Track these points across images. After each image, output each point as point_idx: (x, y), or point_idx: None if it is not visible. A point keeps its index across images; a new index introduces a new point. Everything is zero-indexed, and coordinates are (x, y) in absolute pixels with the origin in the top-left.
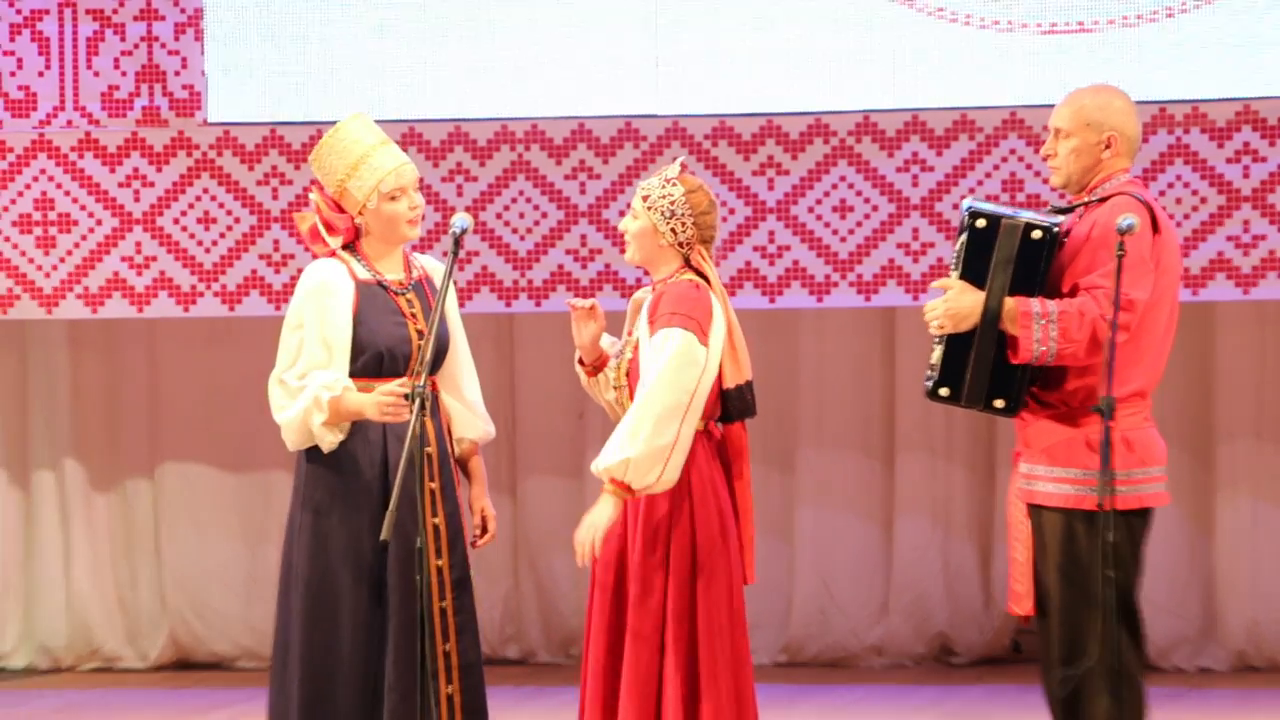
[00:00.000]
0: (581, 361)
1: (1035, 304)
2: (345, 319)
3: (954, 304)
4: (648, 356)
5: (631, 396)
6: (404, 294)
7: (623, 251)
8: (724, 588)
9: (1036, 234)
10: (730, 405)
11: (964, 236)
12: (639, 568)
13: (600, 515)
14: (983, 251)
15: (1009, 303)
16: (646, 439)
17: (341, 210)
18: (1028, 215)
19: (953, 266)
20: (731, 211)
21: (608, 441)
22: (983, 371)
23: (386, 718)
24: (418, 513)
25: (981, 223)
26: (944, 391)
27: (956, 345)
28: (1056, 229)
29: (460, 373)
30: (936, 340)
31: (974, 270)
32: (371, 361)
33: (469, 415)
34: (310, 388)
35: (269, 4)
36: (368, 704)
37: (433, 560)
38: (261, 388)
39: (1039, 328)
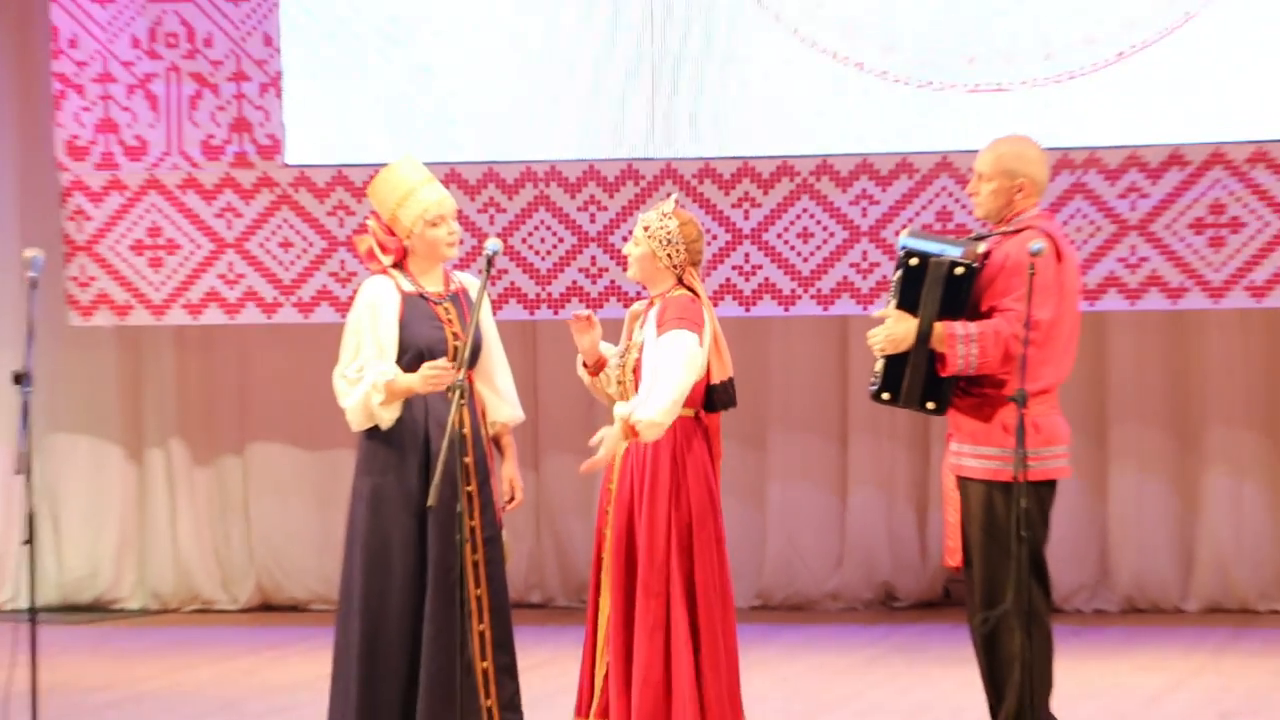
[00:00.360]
0: (585, 364)
1: (959, 327)
2: (392, 324)
3: (892, 331)
4: (657, 352)
5: (636, 390)
6: (442, 304)
7: (626, 270)
8: (713, 546)
9: (959, 270)
10: (716, 397)
11: (900, 272)
12: (647, 533)
13: (617, 446)
14: (915, 284)
15: (938, 327)
16: (670, 411)
17: (393, 234)
18: (952, 252)
19: (891, 295)
20: (714, 237)
21: (646, 399)
22: (916, 381)
23: (426, 647)
24: (456, 483)
25: (914, 261)
26: (885, 396)
27: (895, 360)
28: (976, 264)
29: (494, 367)
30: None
31: (908, 300)
32: (414, 359)
33: (500, 402)
34: (368, 376)
35: (335, 69)
36: (415, 639)
37: (467, 521)
38: (331, 382)
39: (962, 347)
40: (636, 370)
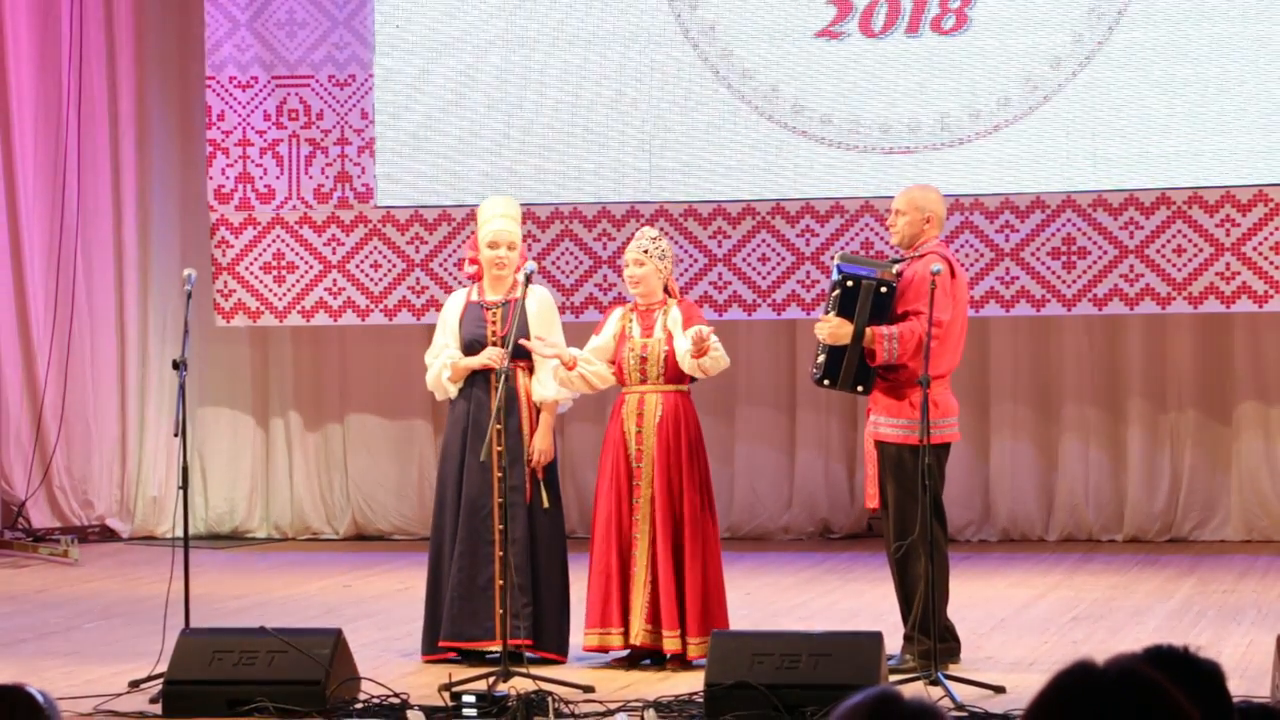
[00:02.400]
0: (563, 363)
1: (884, 329)
2: (455, 324)
3: (835, 331)
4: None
5: (664, 376)
6: (492, 310)
7: (634, 287)
8: (711, 485)
9: (884, 289)
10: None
11: (838, 291)
12: (688, 483)
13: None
14: (851, 300)
15: (868, 331)
16: (725, 363)
17: (477, 249)
18: (876, 276)
19: (830, 306)
20: (694, 260)
21: (720, 354)
22: (850, 371)
23: (453, 565)
24: (489, 444)
25: (850, 283)
26: (826, 382)
27: (834, 354)
28: (895, 284)
29: (537, 359)
30: (820, 350)
31: (847, 311)
32: (465, 349)
33: (539, 386)
34: (441, 358)
35: (414, 138)
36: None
37: (495, 473)
38: (409, 371)
39: (887, 344)
40: (668, 359)
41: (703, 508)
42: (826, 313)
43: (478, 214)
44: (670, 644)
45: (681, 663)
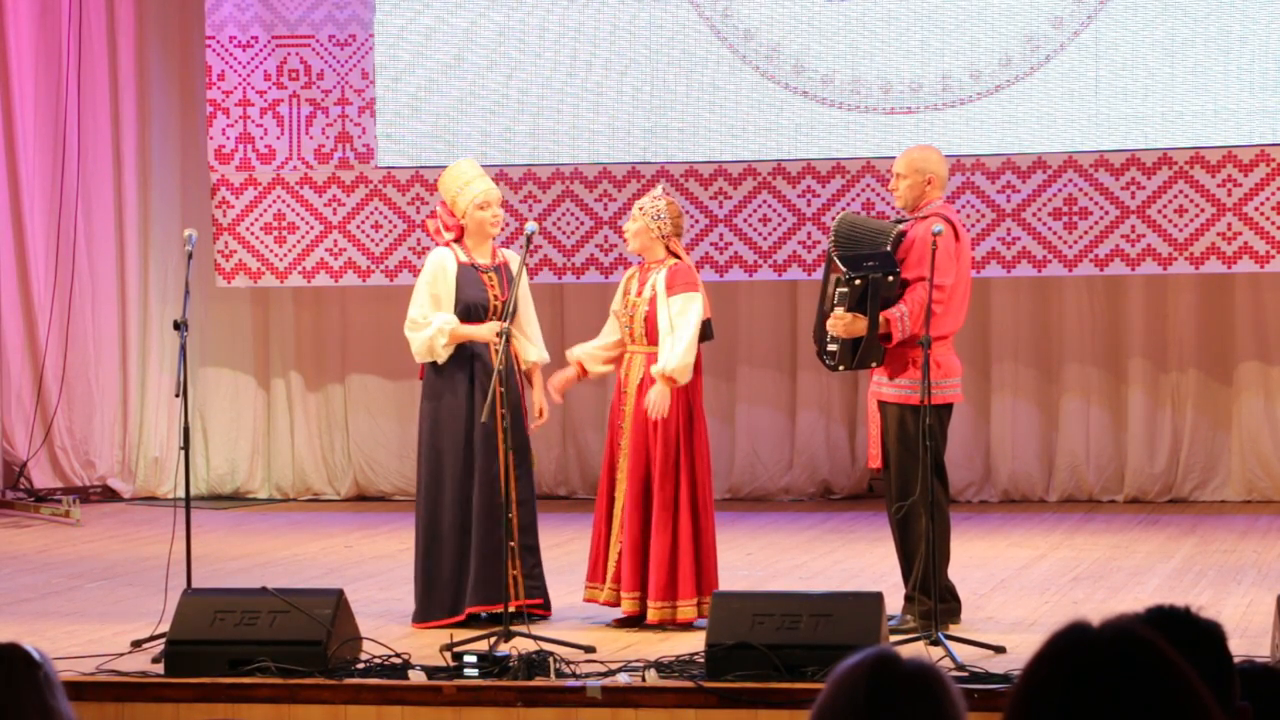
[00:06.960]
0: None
1: (894, 311)
2: (450, 285)
3: (849, 327)
4: (673, 309)
5: (646, 336)
6: (487, 272)
7: (628, 244)
8: (705, 450)
9: (890, 278)
10: (703, 331)
11: (846, 288)
12: (661, 438)
13: (665, 394)
14: (861, 294)
15: (880, 317)
16: (689, 354)
17: (453, 215)
18: (880, 266)
19: (838, 302)
20: (696, 221)
21: (670, 351)
22: (866, 356)
23: (477, 528)
24: (493, 406)
25: (858, 281)
26: (841, 368)
27: (847, 343)
28: (900, 272)
29: (526, 321)
30: (831, 340)
31: (859, 306)
32: (462, 313)
33: (530, 346)
34: (435, 322)
35: (415, 98)
36: (464, 522)
37: (500, 437)
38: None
39: (900, 325)
40: (648, 320)
41: (675, 473)
42: (834, 305)
43: (448, 180)
44: (628, 605)
45: (641, 624)
